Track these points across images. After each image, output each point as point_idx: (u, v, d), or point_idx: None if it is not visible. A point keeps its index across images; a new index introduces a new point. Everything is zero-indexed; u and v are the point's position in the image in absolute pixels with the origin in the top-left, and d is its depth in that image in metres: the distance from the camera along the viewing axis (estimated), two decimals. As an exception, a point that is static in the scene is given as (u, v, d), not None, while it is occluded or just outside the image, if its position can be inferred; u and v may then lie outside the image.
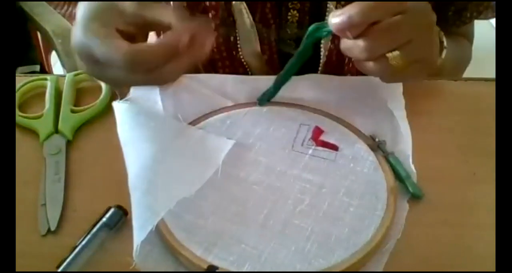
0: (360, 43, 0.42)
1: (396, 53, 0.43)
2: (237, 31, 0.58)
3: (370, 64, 0.44)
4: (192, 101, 0.53)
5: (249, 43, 0.59)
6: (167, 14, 0.44)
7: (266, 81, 0.56)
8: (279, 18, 0.59)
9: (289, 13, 0.58)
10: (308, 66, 0.55)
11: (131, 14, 0.44)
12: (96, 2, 0.45)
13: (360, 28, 0.42)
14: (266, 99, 0.53)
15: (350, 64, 0.58)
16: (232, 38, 0.59)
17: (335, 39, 0.57)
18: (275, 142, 0.49)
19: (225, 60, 0.62)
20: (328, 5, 0.56)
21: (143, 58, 0.42)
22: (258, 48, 0.60)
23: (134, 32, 0.45)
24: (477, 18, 0.64)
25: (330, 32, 0.44)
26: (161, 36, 0.44)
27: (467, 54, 0.72)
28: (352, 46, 0.43)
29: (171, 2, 0.58)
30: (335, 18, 0.42)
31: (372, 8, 0.41)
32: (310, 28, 0.47)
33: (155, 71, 0.43)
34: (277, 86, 0.52)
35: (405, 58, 0.43)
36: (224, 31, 0.59)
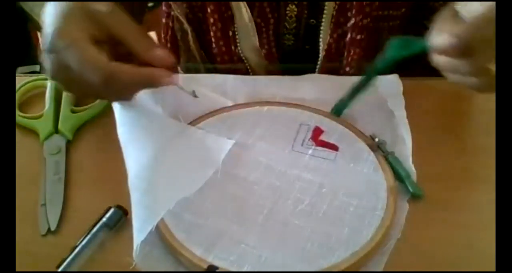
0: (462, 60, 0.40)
1: None
2: (235, 25, 0.58)
3: (473, 79, 0.42)
4: (192, 101, 0.53)
5: (247, 37, 0.59)
6: (134, 38, 0.43)
7: (266, 81, 0.56)
8: (277, 12, 0.58)
9: (288, 8, 0.58)
10: (308, 60, 0.55)
11: (103, 24, 0.42)
12: (69, 2, 0.42)
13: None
14: (341, 108, 0.52)
15: (350, 58, 0.58)
16: (230, 33, 0.59)
17: (334, 33, 0.57)
18: (275, 142, 0.49)
19: (223, 55, 0.62)
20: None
21: (119, 81, 0.41)
22: (257, 42, 0.59)
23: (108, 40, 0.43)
24: None
25: (422, 47, 0.42)
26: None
27: None
28: (452, 63, 0.41)
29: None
30: (439, 39, 0.40)
31: (477, 28, 0.40)
32: (394, 42, 0.45)
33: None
34: (350, 98, 0.51)
35: None
36: (222, 26, 0.59)
